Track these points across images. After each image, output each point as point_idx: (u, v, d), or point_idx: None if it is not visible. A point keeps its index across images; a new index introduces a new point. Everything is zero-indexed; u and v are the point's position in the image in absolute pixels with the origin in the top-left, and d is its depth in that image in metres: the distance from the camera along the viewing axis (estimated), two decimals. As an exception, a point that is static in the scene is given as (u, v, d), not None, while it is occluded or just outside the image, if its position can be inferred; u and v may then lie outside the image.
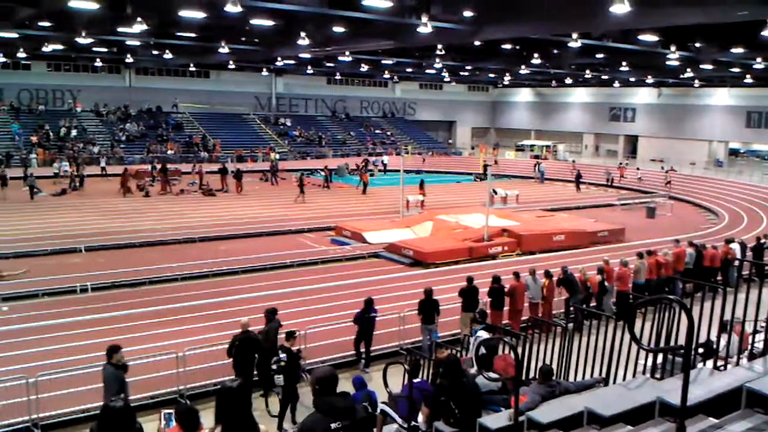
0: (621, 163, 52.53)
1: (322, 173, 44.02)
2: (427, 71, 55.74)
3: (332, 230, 27.68)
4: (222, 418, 4.95)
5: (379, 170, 50.36)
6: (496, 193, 35.88)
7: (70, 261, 22.36)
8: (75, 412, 11.23)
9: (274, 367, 11.29)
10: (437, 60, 43.80)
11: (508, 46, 36.41)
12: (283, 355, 11.32)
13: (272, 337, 12.45)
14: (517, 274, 16.32)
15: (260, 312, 13.04)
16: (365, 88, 71.21)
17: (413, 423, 7.49)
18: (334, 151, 59.29)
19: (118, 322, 15.98)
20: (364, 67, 52.19)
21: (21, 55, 46.17)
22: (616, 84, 61.31)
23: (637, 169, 50.24)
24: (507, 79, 61.88)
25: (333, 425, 4.95)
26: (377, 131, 67.95)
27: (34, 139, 49.26)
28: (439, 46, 36.19)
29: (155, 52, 43.80)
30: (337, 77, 66.30)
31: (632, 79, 56.01)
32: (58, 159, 44.53)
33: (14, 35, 35.41)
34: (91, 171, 41.20)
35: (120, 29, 31.96)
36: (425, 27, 23.58)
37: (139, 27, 26.90)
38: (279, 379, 11.24)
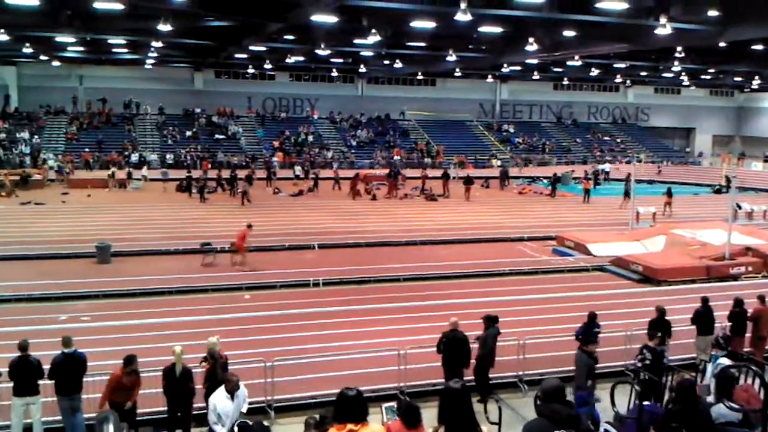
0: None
1: (547, 181, 43.20)
2: (664, 75, 52.56)
3: (554, 240, 26.93)
4: (445, 418, 5.00)
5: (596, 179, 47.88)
6: (740, 207, 32.70)
7: (304, 257, 24.03)
8: (305, 398, 12.00)
9: (639, 364, 11.33)
10: (675, 63, 41.08)
11: (758, 47, 33.14)
12: (648, 354, 11.47)
13: (490, 344, 12.38)
14: (762, 298, 14.70)
15: (476, 318, 13.02)
16: (594, 92, 68.54)
17: (641, 447, 7.03)
18: (558, 159, 57.84)
19: (345, 317, 16.92)
20: (594, 71, 50.40)
21: (267, 66, 50.93)
22: None
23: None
24: (756, 82, 56.41)
25: None
26: (606, 138, 65.13)
27: (276, 143, 53.90)
28: (678, 48, 33.87)
29: (386, 62, 45.86)
30: (565, 82, 64.52)
31: None
32: (298, 163, 48.33)
33: (263, 48, 39.12)
34: (324, 174, 44.03)
35: (355, 41, 33.92)
36: (664, 28, 22.27)
37: (372, 38, 28.30)
38: (643, 376, 11.35)
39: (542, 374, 12.94)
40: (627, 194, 34.13)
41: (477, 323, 12.77)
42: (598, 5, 22.66)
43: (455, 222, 30.94)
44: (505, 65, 48.34)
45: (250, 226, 22.66)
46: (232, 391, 9.15)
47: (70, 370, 10.43)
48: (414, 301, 18.34)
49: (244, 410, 9.47)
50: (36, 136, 49.67)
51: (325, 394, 11.43)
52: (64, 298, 18.16)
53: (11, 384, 10.39)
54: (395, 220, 31.30)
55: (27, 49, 40.62)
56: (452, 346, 12.00)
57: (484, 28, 28.14)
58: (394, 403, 6.30)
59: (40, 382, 10.48)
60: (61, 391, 10.45)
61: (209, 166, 45.11)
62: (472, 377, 12.28)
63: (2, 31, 31.62)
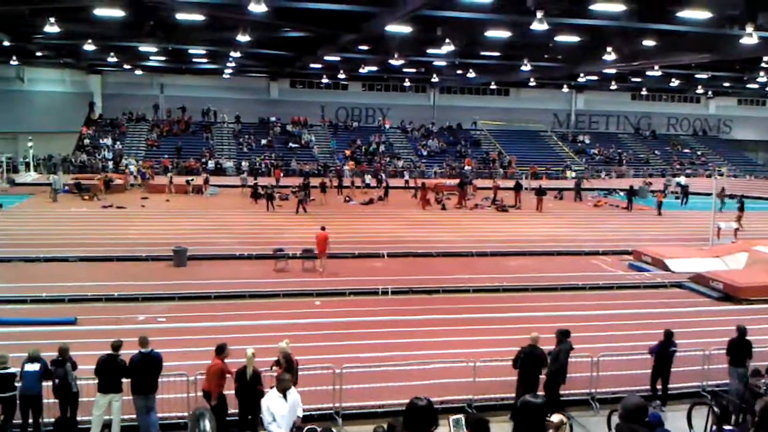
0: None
1: (623, 193, 42.13)
2: (748, 86, 50.56)
3: (630, 254, 26.19)
4: (521, 432, 4.92)
5: (672, 192, 46.28)
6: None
7: (373, 265, 24.09)
8: (373, 406, 11.99)
9: (764, 388, 11.03)
10: (761, 73, 39.45)
11: None
12: None
13: (562, 359, 12.11)
14: None
15: (550, 332, 12.76)
16: (674, 103, 66.54)
17: (721, 474, 6.74)
18: (635, 171, 56.36)
19: (413, 326, 16.89)
20: (674, 82, 49.02)
21: (341, 76, 51.70)
22: None
23: None
24: None
25: None
26: (685, 150, 63.10)
27: (347, 152, 54.43)
28: (765, 58, 32.56)
29: (459, 72, 45.75)
30: (643, 92, 62.87)
31: None
32: (369, 171, 48.69)
33: (337, 58, 39.66)
34: (395, 183, 44.18)
35: (429, 50, 33.97)
36: (750, 37, 21.39)
37: (446, 48, 28.27)
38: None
39: (615, 393, 12.61)
40: (741, 209, 33.03)
41: (549, 338, 12.51)
42: (679, 14, 22.03)
43: (527, 234, 30.46)
44: (582, 75, 47.56)
45: (324, 228, 23.00)
46: (284, 391, 9.28)
47: (146, 369, 10.76)
48: (483, 313, 18.17)
49: (300, 414, 9.53)
50: (118, 142, 51.78)
51: (393, 403, 11.42)
52: (142, 299, 18.77)
53: (96, 381, 10.81)
54: (465, 230, 31.05)
55: (112, 59, 42.39)
56: (530, 361, 11.79)
57: (561, 38, 27.76)
58: (461, 416, 6.20)
59: (123, 380, 10.88)
60: (137, 390, 10.78)
61: (281, 174, 45.89)
62: (542, 393, 12.02)
63: (89, 41, 33.09)
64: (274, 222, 31.73)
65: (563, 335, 12.31)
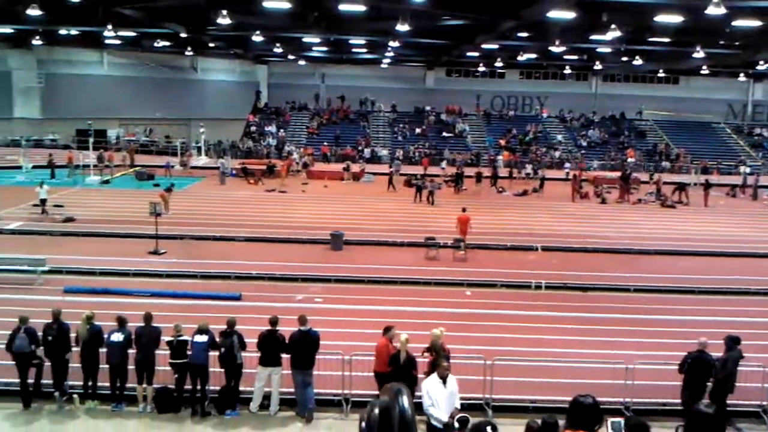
0: None
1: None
2: None
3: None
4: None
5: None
6: None
7: (526, 258, 23.63)
8: (524, 401, 11.84)
9: None
10: None
11: None
12: None
13: (730, 368, 11.30)
14: None
15: (717, 338, 11.93)
16: None
17: None
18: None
19: (568, 323, 16.41)
20: None
21: (498, 64, 51.06)
22: None
23: None
24: None
25: None
26: None
27: (502, 142, 53.62)
28: None
29: (624, 59, 43.67)
30: (833, 82, 57.01)
31: None
32: (527, 162, 47.44)
33: (495, 46, 39.11)
34: (552, 175, 42.86)
35: (592, 37, 32.66)
36: None
37: (611, 34, 27.05)
38: None
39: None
40: None
41: (716, 344, 11.68)
42: None
43: (695, 232, 28.52)
44: (761, 62, 43.78)
45: (465, 210, 23.56)
46: (443, 378, 9.44)
47: (304, 346, 11.30)
48: (643, 314, 17.36)
49: (457, 405, 9.55)
50: (282, 130, 54.28)
51: (544, 399, 11.20)
52: (301, 280, 19.62)
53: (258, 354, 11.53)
54: (626, 226, 29.60)
55: (277, 50, 44.47)
56: (697, 367, 11.13)
57: (739, 22, 25.66)
58: (621, 419, 5.94)
59: (282, 355, 11.49)
60: (296, 365, 11.38)
61: (428, 163, 45.66)
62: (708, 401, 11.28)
63: (258, 32, 34.86)
64: (424, 210, 31.88)
65: (733, 342, 11.51)
